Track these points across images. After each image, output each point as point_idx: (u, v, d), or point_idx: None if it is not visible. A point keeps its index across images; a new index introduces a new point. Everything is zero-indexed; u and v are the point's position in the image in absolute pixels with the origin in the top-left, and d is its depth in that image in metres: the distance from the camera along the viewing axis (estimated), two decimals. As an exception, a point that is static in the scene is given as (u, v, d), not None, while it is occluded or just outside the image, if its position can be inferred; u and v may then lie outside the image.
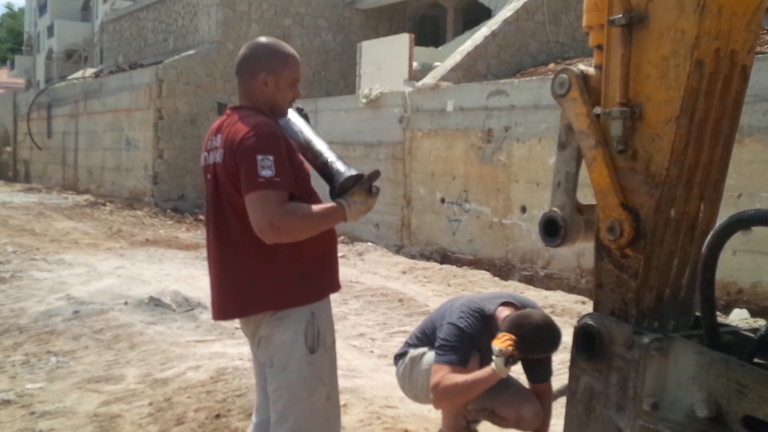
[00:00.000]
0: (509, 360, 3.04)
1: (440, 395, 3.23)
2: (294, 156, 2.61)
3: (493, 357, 3.06)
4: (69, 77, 26.17)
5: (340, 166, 2.68)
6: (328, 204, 2.60)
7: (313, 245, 2.58)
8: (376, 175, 2.68)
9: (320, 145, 2.76)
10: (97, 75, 22.78)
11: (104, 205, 17.47)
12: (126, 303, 7.12)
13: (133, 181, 17.78)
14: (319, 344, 2.60)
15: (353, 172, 2.64)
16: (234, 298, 2.63)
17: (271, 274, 2.56)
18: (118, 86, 18.78)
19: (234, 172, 2.51)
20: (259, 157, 2.43)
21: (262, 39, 2.72)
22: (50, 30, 38.84)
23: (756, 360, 1.99)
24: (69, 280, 8.27)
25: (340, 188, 2.62)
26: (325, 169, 2.70)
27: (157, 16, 20.87)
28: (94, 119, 20.24)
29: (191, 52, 17.45)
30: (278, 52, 2.66)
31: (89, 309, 6.86)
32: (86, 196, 19.30)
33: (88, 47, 30.84)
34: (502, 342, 3.04)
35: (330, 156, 2.72)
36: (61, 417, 4.21)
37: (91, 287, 7.92)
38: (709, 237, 1.91)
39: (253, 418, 2.90)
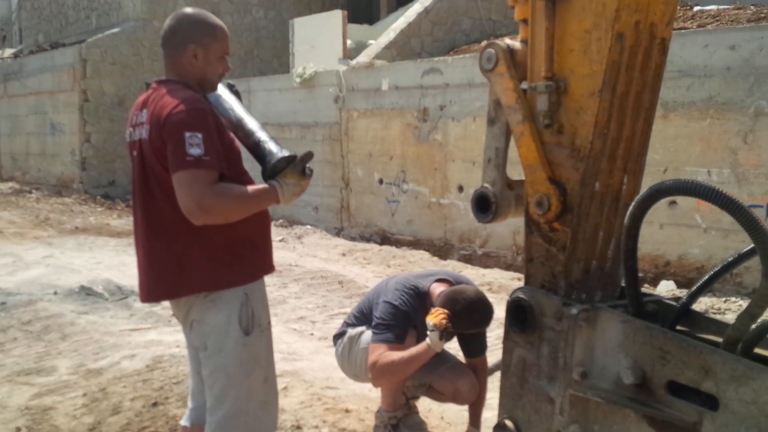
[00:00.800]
0: (443, 334, 3.07)
1: (378, 373, 3.25)
2: (224, 134, 2.54)
3: (428, 332, 3.09)
4: (-13, 58, 25.06)
5: (272, 146, 2.62)
6: (260, 185, 2.54)
7: (244, 226, 2.52)
8: (309, 156, 2.64)
9: (252, 123, 2.69)
10: (16, 55, 21.83)
11: (30, 192, 16.88)
12: (55, 293, 6.93)
13: (60, 167, 17.18)
14: (254, 326, 2.56)
15: (285, 153, 2.59)
16: (163, 279, 2.55)
17: (202, 254, 2.49)
18: (40, 67, 18.05)
19: (161, 149, 2.42)
20: (187, 134, 2.34)
21: (188, 10, 2.62)
22: (-34, 10, 37.09)
23: (678, 327, 2.05)
24: (-6, 271, 7.99)
25: (272, 169, 2.56)
26: (257, 149, 2.63)
27: (79, -8, 20.08)
28: (15, 102, 19.43)
29: (116, 30, 16.82)
30: (207, 24, 2.58)
31: (16, 300, 6.66)
32: (11, 184, 18.59)
33: (5, 26, 29.51)
34: (435, 317, 3.07)
35: (262, 135, 2.66)
36: (-10, 411, 4.08)
37: (17, 277, 7.68)
38: (630, 208, 1.95)
39: (189, 404, 2.86)
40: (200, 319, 2.55)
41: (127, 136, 2.64)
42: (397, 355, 3.18)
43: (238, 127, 2.66)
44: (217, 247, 2.50)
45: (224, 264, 2.52)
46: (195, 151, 2.33)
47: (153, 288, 2.61)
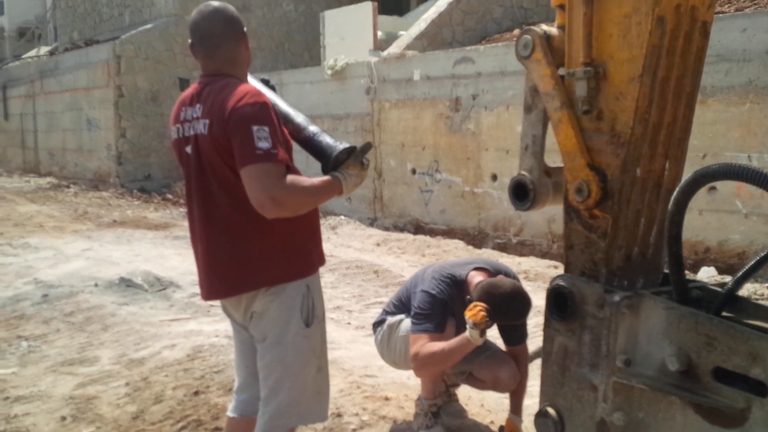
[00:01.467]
0: (483, 331, 3.06)
1: (420, 364, 3.26)
2: (281, 126, 2.52)
3: (468, 327, 3.08)
4: (23, 56, 25.49)
5: (328, 139, 2.62)
6: (325, 177, 2.53)
7: (303, 219, 2.52)
8: (368, 147, 2.65)
9: (299, 117, 2.69)
10: (52, 53, 22.15)
11: (68, 187, 17.18)
12: (96, 285, 7.05)
13: (97, 162, 17.45)
14: (314, 317, 2.57)
15: (346, 145, 2.59)
16: (226, 276, 2.54)
17: (265, 249, 2.49)
18: (75, 64, 18.29)
19: (224, 144, 2.39)
20: (255, 128, 2.32)
21: (215, 2, 2.58)
22: (0, 7, 37.71)
23: (724, 314, 2.03)
24: (36, 264, 8.16)
25: (334, 161, 2.56)
26: (311, 143, 2.63)
27: (112, -10, 20.31)
28: (51, 99, 19.74)
29: (149, 26, 16.99)
30: (237, 13, 2.60)
31: (58, 292, 6.79)
32: (49, 179, 18.95)
33: (41, 24, 29.95)
34: (474, 314, 3.05)
35: (314, 128, 2.66)
36: (36, 401, 4.18)
37: (59, 270, 7.82)
38: (675, 193, 1.93)
39: (237, 396, 2.85)
40: (262, 312, 2.54)
41: (174, 132, 2.60)
42: (438, 346, 3.19)
43: (287, 121, 2.65)
44: (279, 240, 2.50)
45: (287, 257, 2.52)
46: (264, 144, 2.31)
47: (216, 286, 2.59)
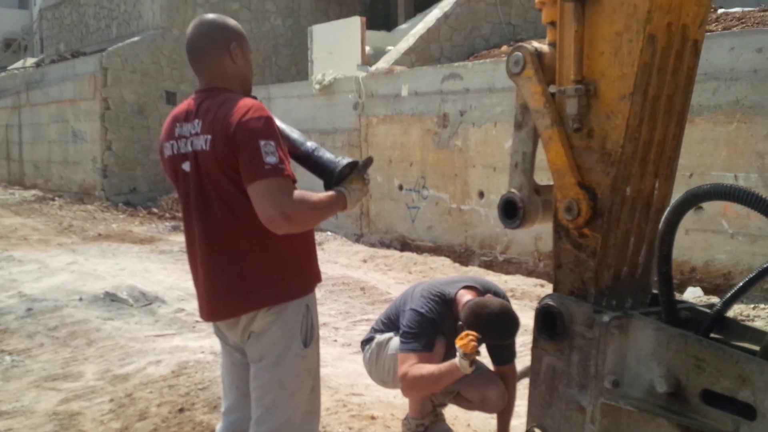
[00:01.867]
0: (473, 361, 3.04)
1: (408, 385, 3.24)
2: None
3: (458, 356, 3.06)
4: (9, 67, 25.35)
5: (328, 154, 2.61)
6: (330, 192, 2.51)
7: (301, 236, 2.47)
8: (369, 161, 2.63)
9: (295, 133, 2.66)
10: (38, 64, 22.07)
11: (53, 200, 17.05)
12: (81, 299, 6.98)
13: (82, 175, 17.33)
14: (312, 337, 2.52)
15: (348, 160, 2.58)
16: (228, 296, 2.48)
17: (267, 267, 2.44)
18: (61, 76, 18.22)
19: (228, 160, 2.33)
20: (262, 143, 2.27)
21: (209, 15, 2.55)
22: (-14, 18, 37.52)
23: (713, 335, 2.02)
24: (20, 278, 8.07)
25: (338, 176, 2.54)
26: (311, 159, 2.61)
27: (98, 2, 20.17)
28: (37, 111, 19.63)
29: (136, 38, 16.96)
30: (233, 24, 2.54)
31: (42, 306, 6.71)
32: (34, 191, 18.81)
33: (27, 36, 29.86)
34: (465, 344, 3.02)
35: (311, 144, 2.64)
36: (19, 416, 4.12)
37: (43, 284, 7.74)
38: (666, 213, 1.92)
39: (226, 416, 2.77)
40: (262, 332, 2.48)
41: (168, 149, 2.53)
42: (426, 370, 3.16)
43: (283, 137, 2.59)
44: (280, 259, 2.46)
45: (287, 276, 2.47)
46: (271, 159, 2.28)
47: (218, 306, 2.53)
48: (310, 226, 2.45)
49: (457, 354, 3.05)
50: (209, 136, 2.37)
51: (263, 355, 2.49)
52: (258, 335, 2.48)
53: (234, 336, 2.58)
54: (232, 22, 2.57)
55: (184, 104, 2.54)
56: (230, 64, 2.49)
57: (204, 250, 2.48)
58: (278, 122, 2.61)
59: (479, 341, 3.02)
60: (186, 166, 2.47)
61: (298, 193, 2.33)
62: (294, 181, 2.36)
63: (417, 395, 3.36)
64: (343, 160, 2.57)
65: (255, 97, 2.67)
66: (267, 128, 2.32)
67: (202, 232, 2.48)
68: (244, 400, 2.62)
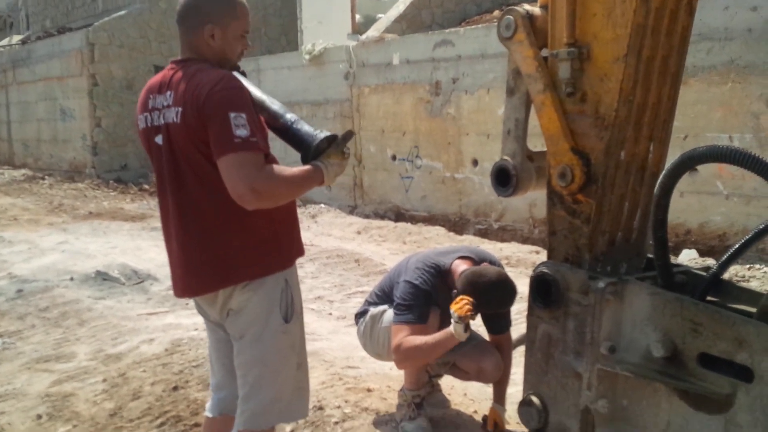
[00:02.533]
0: (468, 326, 3.01)
1: (402, 357, 3.21)
2: (257, 115, 2.41)
3: (452, 321, 3.03)
4: (-6, 45, 25.07)
5: (307, 127, 2.52)
6: (305, 167, 2.43)
7: (280, 210, 2.42)
8: (349, 135, 2.55)
9: (275, 104, 2.59)
10: (24, 42, 21.77)
11: (43, 179, 16.91)
12: (72, 279, 6.93)
13: (72, 153, 17.19)
14: (293, 312, 2.48)
15: (326, 134, 2.50)
16: (202, 271, 2.43)
17: (243, 242, 2.39)
18: (48, 53, 17.98)
19: (198, 132, 2.27)
20: (232, 115, 2.20)
21: None
22: (-28, -3, 37.01)
23: (709, 298, 2.00)
24: (10, 258, 8.00)
25: (315, 150, 2.46)
26: (289, 132, 2.52)
27: (84, -24, 19.99)
28: (25, 89, 19.40)
29: (122, 12, 16.69)
30: (227, 1, 2.43)
31: (33, 287, 6.66)
32: (23, 171, 18.66)
33: (12, 13, 29.44)
34: (460, 307, 2.99)
35: (291, 116, 2.55)
36: (11, 399, 4.09)
37: (33, 264, 7.68)
38: (661, 177, 1.89)
39: (214, 394, 2.76)
40: (240, 309, 2.44)
41: (142, 121, 2.47)
42: (420, 340, 3.13)
43: (262, 108, 2.54)
44: (256, 233, 2.40)
45: (264, 251, 2.43)
46: (242, 132, 2.20)
47: (192, 282, 2.47)
48: (283, 201, 2.38)
49: (452, 319, 3.02)
50: (180, 108, 2.31)
51: (243, 332, 2.45)
52: (237, 312, 2.45)
53: (214, 313, 2.55)
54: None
55: (159, 75, 2.47)
56: (204, 42, 2.41)
57: (178, 225, 2.44)
58: (258, 93, 2.54)
59: (474, 306, 2.99)
60: (159, 139, 2.41)
61: (270, 167, 2.27)
62: (267, 154, 2.30)
63: (411, 366, 3.34)
64: (321, 134, 2.50)
65: (238, 67, 2.60)
66: (238, 100, 2.25)
67: (176, 206, 2.43)
68: (231, 377, 2.60)
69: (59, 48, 17.44)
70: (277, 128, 2.54)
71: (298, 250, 2.59)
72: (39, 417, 3.86)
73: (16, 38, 23.74)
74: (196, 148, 2.31)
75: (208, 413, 2.76)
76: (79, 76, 16.38)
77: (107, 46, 16.07)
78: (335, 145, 2.50)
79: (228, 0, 2.43)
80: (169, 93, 2.36)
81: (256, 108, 2.48)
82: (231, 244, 2.38)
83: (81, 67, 16.26)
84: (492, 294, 3.06)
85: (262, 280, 2.42)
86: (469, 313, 2.98)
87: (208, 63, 2.39)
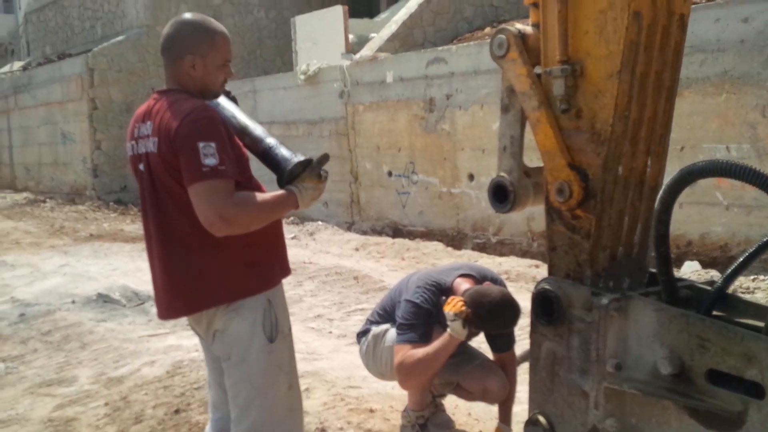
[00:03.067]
0: (465, 322, 2.99)
1: (405, 373, 3.19)
2: (233, 140, 2.46)
3: (448, 322, 3.02)
4: (-4, 72, 25.17)
5: (284, 151, 2.55)
6: (278, 192, 2.47)
7: (260, 232, 2.45)
8: (325, 158, 2.57)
9: (258, 129, 2.62)
10: (25, 68, 21.94)
11: (44, 201, 16.94)
12: (73, 302, 6.92)
13: (73, 176, 17.26)
14: (278, 332, 2.50)
15: (301, 158, 2.52)
16: (183, 294, 2.48)
17: (221, 266, 2.42)
18: (48, 78, 18.15)
19: (172, 162, 2.34)
20: (201, 145, 2.26)
21: (188, 16, 2.52)
22: (-28, 25, 37.15)
23: (715, 313, 1.98)
24: (12, 282, 8.00)
25: (289, 175, 2.49)
26: (268, 156, 2.56)
27: (82, 3, 20.10)
28: (26, 114, 19.57)
29: (120, 38, 16.91)
30: (205, 31, 2.46)
31: (35, 311, 6.65)
32: (25, 194, 18.70)
33: (13, 40, 29.67)
34: (453, 306, 2.99)
35: (271, 141, 2.58)
36: (14, 425, 4.07)
37: (35, 288, 7.68)
38: (661, 192, 1.88)
39: (211, 414, 2.80)
40: (224, 329, 2.48)
41: (129, 149, 2.55)
42: (420, 352, 3.11)
43: (244, 133, 2.59)
44: (235, 256, 2.44)
45: (244, 272, 2.46)
46: (210, 161, 2.26)
47: (172, 304, 2.53)
48: (254, 227, 2.39)
49: (447, 320, 3.01)
50: (156, 139, 2.38)
51: (228, 353, 2.49)
52: (221, 333, 2.49)
53: (203, 333, 2.59)
54: (203, 26, 2.48)
55: (144, 105, 2.54)
56: (185, 72, 2.46)
57: (159, 248, 2.50)
58: (243, 118, 2.59)
59: (475, 325, 2.99)
60: (141, 167, 2.48)
61: (240, 194, 2.33)
62: (239, 182, 2.35)
63: (417, 382, 3.30)
64: (296, 158, 2.51)
65: (228, 92, 2.66)
66: (207, 130, 2.30)
67: (157, 230, 2.49)
68: (226, 397, 2.62)
69: (59, 73, 17.58)
70: (258, 153, 2.58)
71: (283, 270, 2.62)
72: (42, 443, 3.84)
73: (17, 65, 23.89)
74: (171, 177, 2.37)
75: None
76: (79, 100, 16.50)
77: (106, 71, 16.21)
78: (310, 169, 2.52)
79: (206, 30, 2.47)
80: (149, 123, 2.44)
81: (239, 134, 2.54)
82: (210, 265, 2.43)
83: (81, 92, 16.38)
84: (496, 314, 3.04)
85: (243, 301, 2.45)
86: (462, 308, 2.97)
87: (188, 93, 2.45)
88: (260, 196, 2.39)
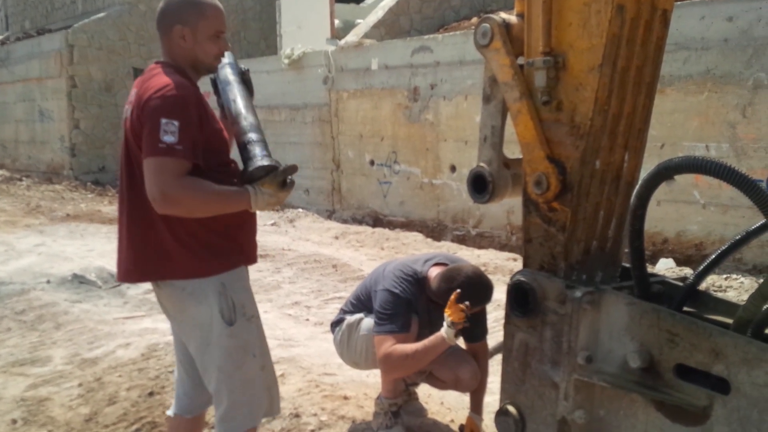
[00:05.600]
0: (459, 332, 3.02)
1: (391, 366, 3.20)
2: (210, 123, 2.46)
3: (445, 325, 3.03)
4: (-27, 46, 24.77)
5: (258, 150, 2.53)
6: (233, 188, 2.47)
7: (222, 217, 2.47)
8: (292, 169, 2.54)
9: (247, 121, 2.60)
10: (2, 42, 21.56)
11: (20, 180, 16.71)
12: (48, 281, 6.85)
13: (50, 154, 17.03)
14: (238, 315, 2.50)
15: (266, 162, 2.50)
16: (137, 260, 2.51)
17: (177, 242, 2.45)
18: (27, 53, 17.83)
19: (139, 132, 2.37)
20: (164, 121, 2.28)
21: None
22: (-50, -3, 36.55)
23: (685, 309, 2.00)
24: (-15, 261, 7.91)
25: (249, 176, 2.49)
26: (244, 150, 2.56)
27: (64, -23, 19.83)
28: (3, 90, 19.22)
29: (101, 14, 16.60)
30: (195, 2, 2.48)
31: (9, 289, 6.59)
32: (1, 172, 18.43)
33: (-8, 14, 29.29)
34: (454, 313, 3.00)
35: (252, 136, 2.57)
36: (-15, 403, 4.03)
37: (10, 266, 7.60)
38: (637, 187, 1.89)
39: (175, 392, 2.83)
40: (182, 312, 2.52)
41: (124, 114, 2.60)
42: (411, 348, 3.13)
43: (235, 121, 2.60)
44: (190, 236, 2.45)
45: (197, 254, 2.47)
46: (168, 138, 2.28)
47: (128, 268, 2.57)
48: (198, 214, 2.41)
49: (444, 323, 3.02)
50: (131, 107, 2.44)
51: (189, 338, 2.54)
52: (181, 318, 2.53)
53: (169, 311, 2.64)
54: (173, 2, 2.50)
55: (144, 73, 2.58)
56: (175, 43, 2.49)
57: (127, 210, 2.53)
58: (240, 105, 2.58)
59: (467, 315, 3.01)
60: (124, 130, 2.54)
61: (188, 179, 2.33)
62: (197, 165, 2.35)
63: (400, 374, 3.33)
64: (262, 161, 2.50)
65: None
66: (174, 107, 2.31)
67: (125, 196, 2.53)
68: (185, 373, 2.70)
69: (38, 49, 17.28)
70: (239, 144, 2.58)
71: (245, 257, 2.62)
72: (14, 422, 3.82)
73: (-6, 39, 23.49)
74: (137, 145, 2.41)
75: (169, 412, 2.84)
76: (58, 77, 16.24)
77: (86, 48, 15.95)
78: (272, 175, 2.49)
79: (196, 1, 2.48)
80: (134, 91, 2.48)
81: (231, 119, 2.57)
82: (166, 240, 2.45)
83: (60, 69, 16.12)
84: (472, 288, 3.07)
85: (196, 283, 2.46)
86: (462, 320, 2.99)
87: (177, 67, 2.47)
88: (211, 187, 2.39)
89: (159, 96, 2.32)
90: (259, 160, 2.50)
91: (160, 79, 2.39)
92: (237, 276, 2.56)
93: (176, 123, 2.29)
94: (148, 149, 2.30)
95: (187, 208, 2.36)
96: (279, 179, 2.49)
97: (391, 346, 3.15)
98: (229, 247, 2.54)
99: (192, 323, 2.50)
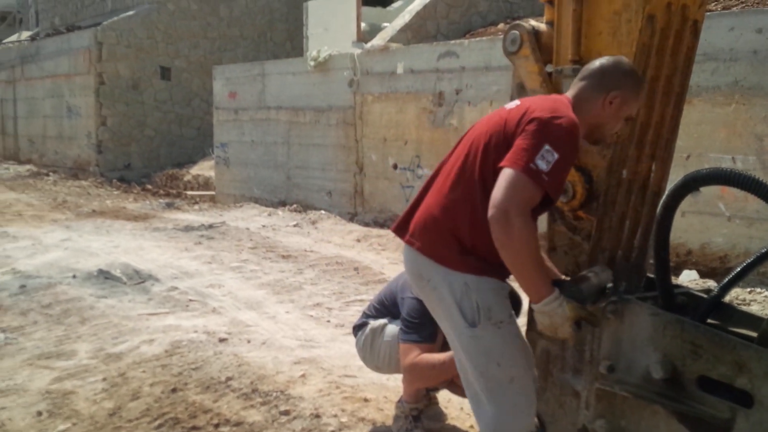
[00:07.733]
0: None
1: (417, 376, 3.24)
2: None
3: None
4: (4, 41, 25.12)
5: (597, 269, 2.29)
6: (548, 279, 2.28)
7: (493, 245, 2.31)
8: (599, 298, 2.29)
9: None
10: (33, 38, 21.88)
11: (47, 175, 16.96)
12: (74, 276, 6.94)
13: (77, 150, 17.26)
14: (481, 317, 2.38)
15: (605, 285, 2.24)
16: (415, 223, 2.54)
17: (454, 232, 2.41)
18: (56, 50, 18.10)
19: (508, 136, 2.27)
20: (547, 147, 2.14)
21: (626, 59, 2.27)
22: (-19, -7, 37.10)
23: (709, 321, 2.00)
24: (14, 254, 8.02)
25: (575, 288, 2.19)
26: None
27: (94, -25, 20.09)
28: (32, 85, 19.52)
29: (131, 12, 16.85)
30: (639, 82, 2.26)
31: (36, 283, 6.67)
32: (28, 166, 18.70)
33: (22, 9, 29.63)
34: None
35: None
36: (12, 395, 4.09)
37: (37, 260, 7.70)
38: (663, 198, 1.89)
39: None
40: (430, 303, 2.56)
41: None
42: (437, 359, 3.14)
43: None
44: (467, 238, 2.40)
45: (458, 250, 2.41)
46: (541, 164, 2.14)
47: (405, 225, 2.61)
48: (507, 254, 2.23)
49: None
50: (516, 105, 2.37)
51: (445, 328, 2.54)
52: (431, 287, 2.52)
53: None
54: (636, 75, 2.26)
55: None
56: (598, 104, 2.29)
57: (441, 184, 2.53)
58: None
59: None
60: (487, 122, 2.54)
61: (533, 228, 2.18)
62: (548, 197, 2.19)
63: (425, 384, 3.36)
64: (604, 281, 2.24)
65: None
66: (564, 142, 2.18)
67: (451, 170, 2.52)
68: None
69: (68, 45, 17.53)
70: None
71: (495, 273, 2.45)
72: (39, 414, 3.86)
73: (25, 34, 23.85)
74: (497, 146, 2.33)
75: None
76: (87, 74, 16.46)
77: (115, 46, 16.16)
78: (581, 304, 2.17)
79: (638, 80, 2.28)
80: (516, 101, 2.39)
81: None
82: (447, 226, 2.43)
83: (88, 66, 16.34)
84: None
85: (440, 275, 2.44)
86: None
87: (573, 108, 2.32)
88: (537, 251, 2.22)
89: (558, 123, 2.18)
90: (603, 278, 2.22)
91: (566, 110, 2.24)
92: (485, 283, 2.44)
93: (556, 156, 2.15)
94: (516, 160, 2.18)
95: (508, 238, 2.19)
96: (580, 314, 2.19)
97: (417, 356, 3.17)
98: (487, 261, 2.40)
99: (433, 304, 2.53)
